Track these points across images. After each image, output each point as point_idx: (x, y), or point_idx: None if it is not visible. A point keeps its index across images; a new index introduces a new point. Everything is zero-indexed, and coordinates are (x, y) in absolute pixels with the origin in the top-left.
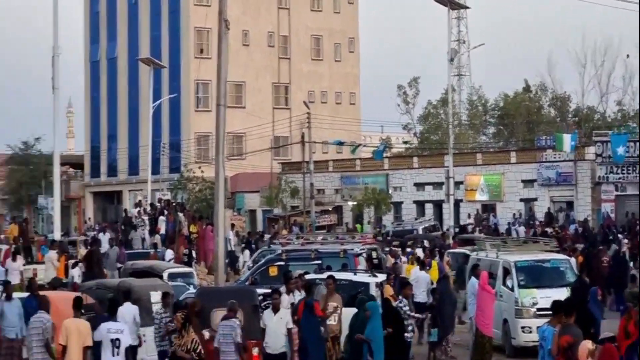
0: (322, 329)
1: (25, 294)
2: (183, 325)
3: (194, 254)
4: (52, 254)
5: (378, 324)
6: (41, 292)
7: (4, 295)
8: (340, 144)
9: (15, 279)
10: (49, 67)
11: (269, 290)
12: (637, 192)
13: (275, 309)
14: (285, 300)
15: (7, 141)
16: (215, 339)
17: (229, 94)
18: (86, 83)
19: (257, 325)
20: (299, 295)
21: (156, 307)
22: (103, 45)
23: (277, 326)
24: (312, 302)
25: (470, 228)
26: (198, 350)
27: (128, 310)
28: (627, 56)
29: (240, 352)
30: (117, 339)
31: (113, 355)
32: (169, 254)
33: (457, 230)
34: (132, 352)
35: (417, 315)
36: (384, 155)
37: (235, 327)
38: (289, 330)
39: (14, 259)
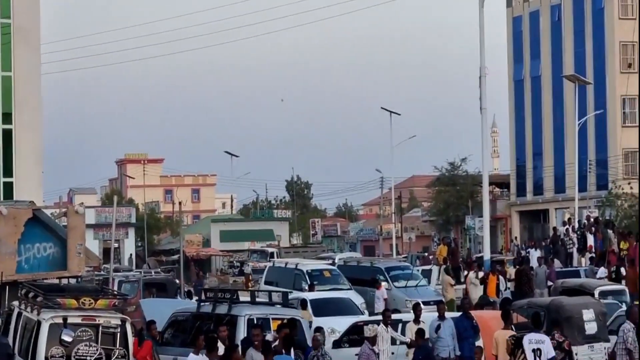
0: None
1: (458, 314)
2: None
3: (623, 271)
4: (471, 274)
5: None
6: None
7: (437, 314)
8: None
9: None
10: (474, 87)
11: None
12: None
13: None
14: None
15: (434, 162)
16: None
17: None
18: (510, 102)
19: None
20: None
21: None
22: (526, 64)
23: None
24: None
25: None
26: None
27: None
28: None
29: None
30: (538, 349)
31: None
32: (602, 271)
33: None
34: None
35: None
36: None
37: None
38: None
39: None
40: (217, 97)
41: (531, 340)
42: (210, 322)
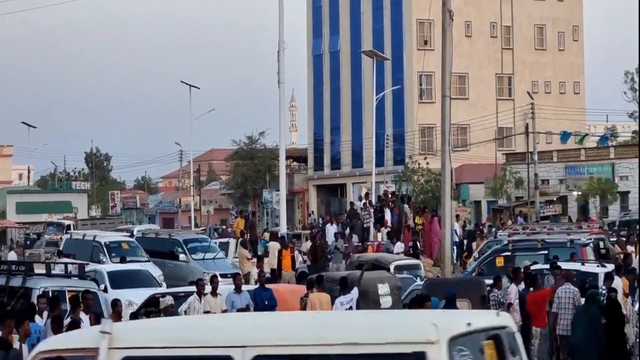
0: None
1: (255, 286)
2: None
3: (419, 245)
4: (274, 244)
5: None
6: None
7: (233, 287)
8: (566, 137)
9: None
10: (273, 61)
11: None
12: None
13: None
14: (513, 290)
15: (232, 136)
16: None
17: (453, 86)
18: (309, 77)
19: None
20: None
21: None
22: (326, 39)
23: None
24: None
25: None
26: None
27: None
28: None
29: None
30: (350, 307)
31: None
32: (399, 246)
33: None
34: None
35: None
36: (609, 144)
37: None
38: None
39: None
40: (14, 67)
41: (342, 302)
42: (4, 295)
